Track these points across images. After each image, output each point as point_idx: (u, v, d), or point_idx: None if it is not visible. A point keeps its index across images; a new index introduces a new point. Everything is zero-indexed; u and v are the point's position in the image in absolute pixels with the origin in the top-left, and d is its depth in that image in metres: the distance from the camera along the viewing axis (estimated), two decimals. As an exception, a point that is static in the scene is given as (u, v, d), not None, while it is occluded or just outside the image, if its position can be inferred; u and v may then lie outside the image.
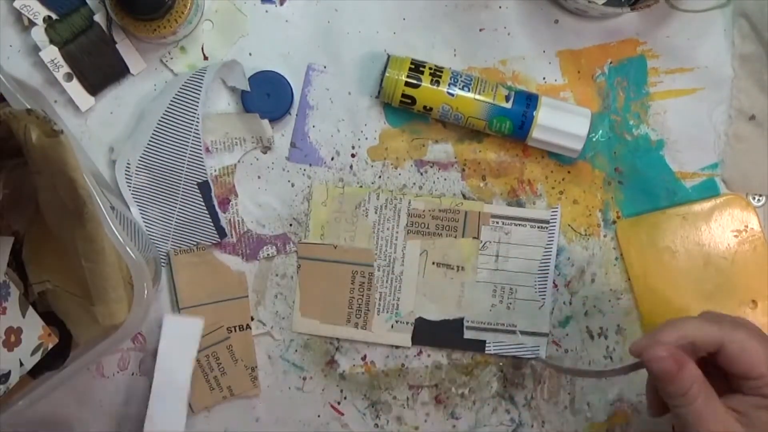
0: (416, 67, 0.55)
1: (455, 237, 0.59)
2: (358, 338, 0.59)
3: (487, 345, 0.59)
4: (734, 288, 0.58)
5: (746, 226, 0.58)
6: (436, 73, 0.55)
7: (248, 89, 0.57)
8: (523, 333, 0.59)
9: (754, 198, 0.58)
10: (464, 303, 0.59)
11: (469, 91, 0.55)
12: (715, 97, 0.58)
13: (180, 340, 0.58)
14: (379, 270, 0.59)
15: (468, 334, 0.59)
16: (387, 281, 0.59)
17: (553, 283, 0.59)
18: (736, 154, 0.58)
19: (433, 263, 0.59)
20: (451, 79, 0.55)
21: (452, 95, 0.55)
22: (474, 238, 0.59)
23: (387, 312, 0.59)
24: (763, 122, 0.57)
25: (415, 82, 0.55)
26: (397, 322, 0.59)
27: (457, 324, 0.59)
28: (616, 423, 0.58)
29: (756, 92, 0.57)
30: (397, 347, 0.59)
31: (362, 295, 0.59)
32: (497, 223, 0.59)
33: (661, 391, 0.44)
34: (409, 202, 0.59)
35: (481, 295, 0.59)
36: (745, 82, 0.58)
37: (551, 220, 0.59)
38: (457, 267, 0.59)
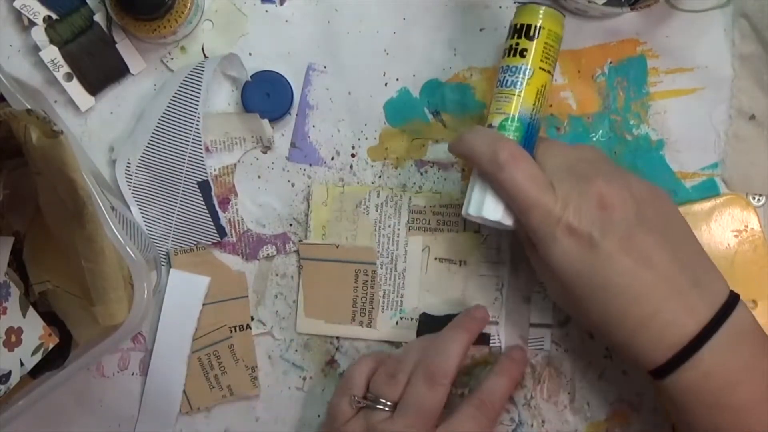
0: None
1: (457, 231, 0.59)
2: (364, 336, 0.59)
3: (491, 338, 0.59)
4: (734, 288, 0.58)
5: (746, 226, 0.58)
6: None
7: (248, 78, 0.57)
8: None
9: (754, 198, 0.58)
10: (467, 297, 0.59)
11: None
12: (715, 97, 0.58)
13: (185, 295, 0.58)
14: (382, 267, 0.59)
15: (471, 329, 0.59)
16: (390, 278, 0.59)
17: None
18: (736, 154, 0.58)
19: (436, 258, 0.59)
20: None
21: None
22: (475, 232, 0.59)
23: (391, 309, 0.59)
24: (763, 122, 0.57)
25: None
26: (401, 318, 0.59)
27: (461, 319, 0.59)
28: (616, 423, 0.58)
29: (756, 92, 0.57)
30: (397, 347, 0.59)
31: (366, 294, 0.59)
32: (498, 216, 0.59)
33: None
34: (410, 199, 0.59)
35: (484, 289, 0.59)
36: (745, 82, 0.58)
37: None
38: (460, 261, 0.59)
